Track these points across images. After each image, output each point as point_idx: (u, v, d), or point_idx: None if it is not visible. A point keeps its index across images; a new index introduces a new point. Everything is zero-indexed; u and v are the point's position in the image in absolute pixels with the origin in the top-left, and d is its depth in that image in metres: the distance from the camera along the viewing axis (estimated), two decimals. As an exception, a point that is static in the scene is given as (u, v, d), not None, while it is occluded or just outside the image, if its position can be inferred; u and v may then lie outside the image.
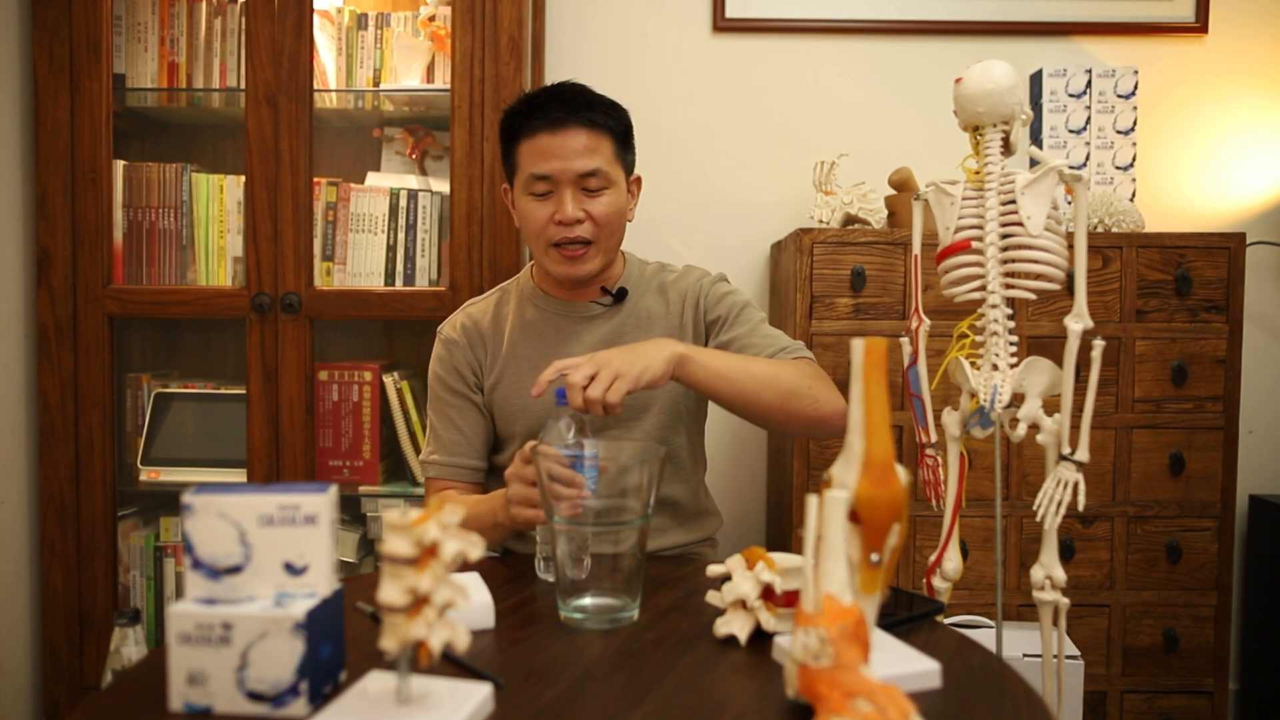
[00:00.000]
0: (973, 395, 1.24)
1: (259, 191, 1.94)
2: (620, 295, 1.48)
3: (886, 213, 2.11)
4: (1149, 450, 1.95)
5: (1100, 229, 2.01)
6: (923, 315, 1.31)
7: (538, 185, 1.39)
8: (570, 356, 1.41)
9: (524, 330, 1.48)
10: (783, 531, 2.07)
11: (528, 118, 1.40)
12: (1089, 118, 2.15)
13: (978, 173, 1.23)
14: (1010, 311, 1.21)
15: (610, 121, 1.41)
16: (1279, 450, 2.35)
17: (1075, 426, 1.19)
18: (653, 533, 1.43)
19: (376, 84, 2.12)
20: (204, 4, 2.08)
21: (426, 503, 1.41)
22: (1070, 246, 1.19)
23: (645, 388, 1.21)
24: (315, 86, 1.98)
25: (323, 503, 0.80)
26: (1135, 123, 2.15)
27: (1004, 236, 1.20)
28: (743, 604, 0.97)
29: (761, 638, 0.96)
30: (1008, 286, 1.20)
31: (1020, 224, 1.19)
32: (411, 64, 2.08)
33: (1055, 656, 1.25)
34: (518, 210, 1.45)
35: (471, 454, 1.47)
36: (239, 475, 1.99)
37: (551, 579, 1.15)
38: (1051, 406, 1.20)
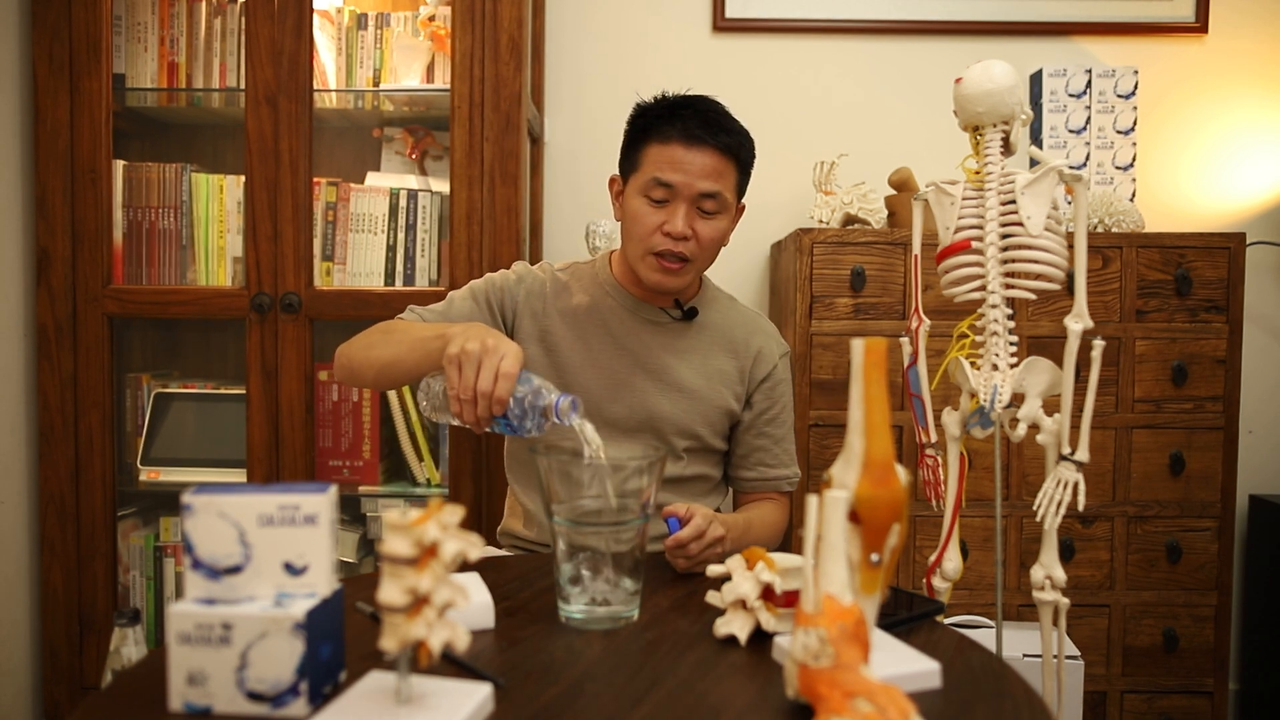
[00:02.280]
0: (973, 395, 1.24)
1: (259, 191, 1.94)
2: (690, 314, 1.50)
3: (886, 213, 2.11)
4: (1149, 450, 1.95)
5: (1100, 229, 2.01)
6: (923, 315, 1.31)
7: (657, 191, 1.40)
8: (629, 353, 1.47)
9: (591, 311, 1.50)
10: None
11: (666, 123, 1.40)
12: (1089, 118, 2.15)
13: (978, 173, 1.23)
14: (1010, 311, 1.21)
15: (741, 151, 1.43)
16: (1279, 450, 2.35)
17: (1075, 426, 1.19)
18: (661, 539, 1.44)
19: (376, 84, 2.12)
20: (204, 4, 2.08)
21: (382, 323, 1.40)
22: (1070, 246, 1.19)
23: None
24: (315, 86, 1.98)
25: (323, 503, 0.80)
26: (1135, 123, 2.15)
27: (1004, 236, 1.20)
28: (743, 604, 0.97)
29: (761, 638, 0.96)
30: (1008, 286, 1.20)
31: (1020, 224, 1.19)
32: (411, 64, 2.08)
33: (1055, 656, 1.25)
34: (626, 207, 1.46)
35: None
36: (239, 475, 1.99)
37: (432, 417, 1.23)
38: (1051, 406, 1.20)
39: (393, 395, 2.05)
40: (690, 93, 1.46)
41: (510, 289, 1.50)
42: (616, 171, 1.50)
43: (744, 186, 1.48)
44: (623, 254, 1.50)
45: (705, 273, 1.58)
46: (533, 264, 1.58)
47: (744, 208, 1.52)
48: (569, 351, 1.47)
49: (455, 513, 0.75)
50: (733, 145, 1.41)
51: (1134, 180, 2.15)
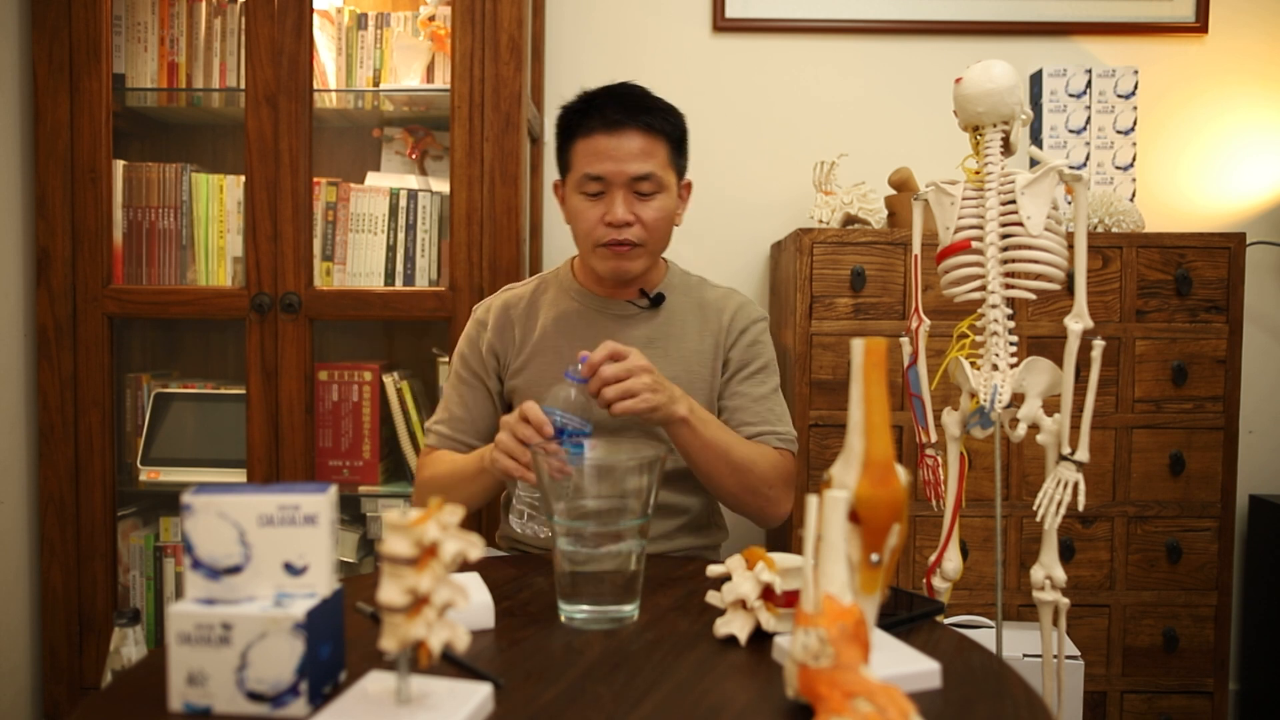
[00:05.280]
0: (973, 395, 1.24)
1: (259, 191, 1.94)
2: (657, 300, 1.49)
3: (886, 213, 2.11)
4: (1149, 450, 1.95)
5: (1100, 229, 2.01)
6: (923, 315, 1.31)
7: (590, 185, 1.40)
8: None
9: (558, 321, 1.49)
10: (783, 531, 2.07)
11: (585, 117, 1.40)
12: (1089, 118, 2.15)
13: (978, 173, 1.23)
14: (1010, 311, 1.21)
15: (667, 126, 1.42)
16: (1279, 450, 2.35)
17: (1075, 426, 1.19)
18: (661, 538, 1.44)
19: (376, 84, 2.12)
20: (204, 4, 2.08)
21: (421, 463, 1.45)
22: (1070, 246, 1.19)
23: (641, 420, 1.27)
24: (315, 86, 1.98)
25: (323, 503, 0.80)
26: (1135, 123, 2.15)
27: (1004, 236, 1.20)
28: (743, 604, 0.97)
29: (761, 638, 0.96)
30: (1008, 286, 1.20)
31: (1020, 224, 1.19)
32: (411, 64, 2.08)
33: (1055, 656, 1.25)
34: (568, 207, 1.46)
35: (473, 434, 1.50)
36: (239, 475, 1.99)
37: (521, 530, 1.24)
38: (1051, 406, 1.20)
39: (392, 395, 2.05)
40: (610, 84, 1.45)
41: (481, 339, 1.51)
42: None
43: (682, 163, 1.47)
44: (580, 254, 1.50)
45: (671, 258, 1.57)
46: (531, 266, 1.58)
47: (690, 185, 1.51)
48: (547, 364, 1.47)
49: (455, 513, 0.75)
50: (655, 123, 1.40)
51: (1134, 180, 2.15)
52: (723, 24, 2.33)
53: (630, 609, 1.02)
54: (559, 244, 2.35)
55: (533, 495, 1.23)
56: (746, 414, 1.46)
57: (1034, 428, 1.20)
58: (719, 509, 1.58)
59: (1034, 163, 1.27)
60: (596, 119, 1.39)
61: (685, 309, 1.51)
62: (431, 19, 2.07)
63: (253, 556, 0.80)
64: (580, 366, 1.22)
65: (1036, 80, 2.20)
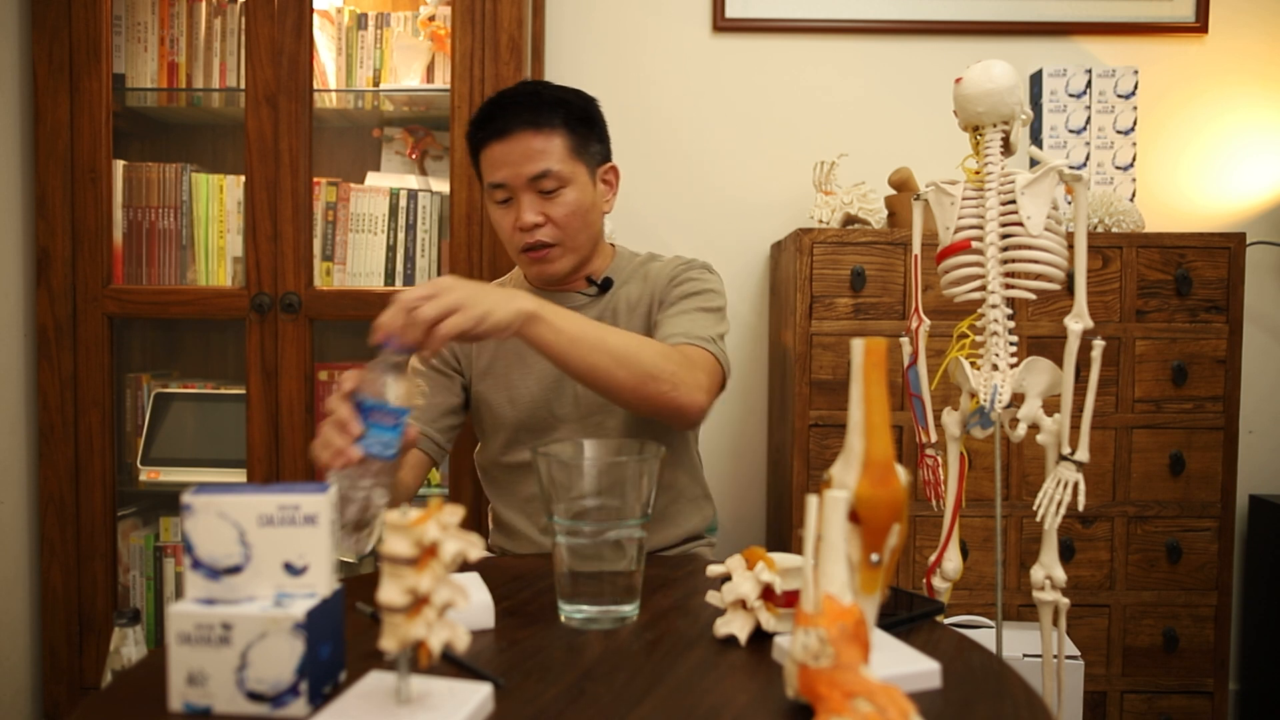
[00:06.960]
0: (973, 395, 1.24)
1: (259, 191, 1.94)
2: (605, 285, 1.48)
3: (886, 213, 2.11)
4: (1149, 450, 1.95)
5: (1100, 229, 2.01)
6: (923, 315, 1.31)
7: (497, 194, 1.41)
8: None
9: None
10: (783, 531, 2.07)
11: (480, 128, 1.41)
12: (1089, 118, 2.15)
13: (978, 173, 1.23)
14: (1010, 311, 1.21)
15: (558, 118, 1.38)
16: (1279, 450, 2.35)
17: (1075, 426, 1.19)
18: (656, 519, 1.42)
19: (376, 84, 2.12)
20: (204, 4, 2.08)
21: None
22: (1070, 246, 1.20)
23: (482, 336, 1.11)
24: (315, 86, 1.98)
25: (323, 503, 0.80)
26: (1135, 123, 2.15)
27: (1004, 236, 1.20)
28: (743, 604, 0.97)
29: (761, 638, 0.96)
30: (1008, 286, 1.20)
31: (1020, 224, 1.19)
32: (411, 64, 2.08)
33: (1055, 656, 1.25)
34: (489, 217, 1.48)
35: (427, 422, 1.45)
36: (239, 475, 1.99)
37: (346, 556, 1.04)
38: (1051, 406, 1.20)
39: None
40: (507, 87, 1.45)
41: None
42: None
43: (591, 150, 1.43)
44: None
45: (664, 253, 1.57)
46: None
47: (615, 169, 1.49)
48: (506, 366, 1.47)
49: (455, 513, 0.75)
50: (542, 120, 1.37)
51: (1134, 180, 2.15)
52: (723, 24, 2.33)
53: (630, 609, 1.02)
54: (559, 244, 2.35)
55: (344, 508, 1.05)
56: (661, 330, 1.37)
57: (1034, 428, 1.20)
58: (703, 481, 1.57)
59: (1034, 163, 1.27)
60: (489, 128, 1.40)
61: (632, 286, 1.49)
62: (431, 19, 2.07)
63: (253, 556, 0.80)
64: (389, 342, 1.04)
65: (1036, 80, 2.20)
